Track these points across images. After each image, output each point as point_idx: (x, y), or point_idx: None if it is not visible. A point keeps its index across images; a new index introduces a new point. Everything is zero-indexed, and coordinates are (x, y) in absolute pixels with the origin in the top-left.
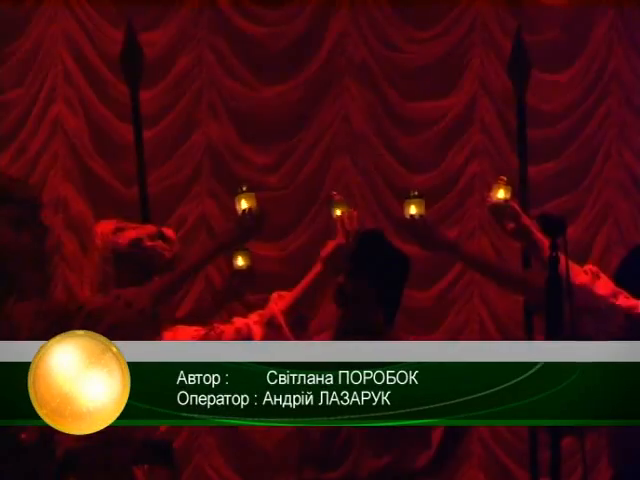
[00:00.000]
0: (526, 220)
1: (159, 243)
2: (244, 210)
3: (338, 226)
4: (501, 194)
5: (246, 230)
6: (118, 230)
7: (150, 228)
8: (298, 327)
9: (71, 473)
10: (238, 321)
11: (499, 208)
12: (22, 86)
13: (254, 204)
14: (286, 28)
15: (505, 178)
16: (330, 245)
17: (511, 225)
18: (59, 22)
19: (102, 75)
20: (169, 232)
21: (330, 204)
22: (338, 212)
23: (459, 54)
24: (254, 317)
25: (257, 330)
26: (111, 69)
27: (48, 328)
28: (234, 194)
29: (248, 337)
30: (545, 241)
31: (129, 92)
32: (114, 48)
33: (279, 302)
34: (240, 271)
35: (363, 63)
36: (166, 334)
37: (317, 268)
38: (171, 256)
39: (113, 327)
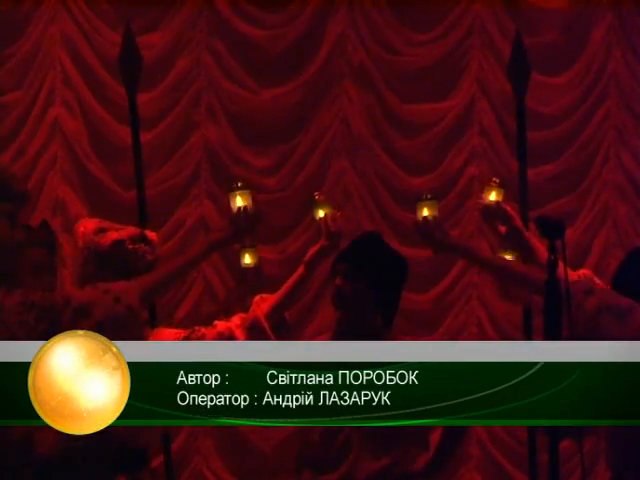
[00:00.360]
0: (518, 222)
1: (141, 246)
2: (239, 208)
3: (321, 228)
4: (493, 196)
5: (240, 229)
6: (100, 231)
7: (132, 230)
8: (281, 330)
9: None
10: (220, 325)
11: (491, 210)
12: (21, 88)
13: (250, 202)
14: (284, 30)
15: (498, 180)
16: (313, 248)
17: (503, 228)
18: (58, 24)
19: (100, 77)
20: (151, 235)
21: (313, 205)
22: (321, 213)
23: (458, 56)
24: (236, 320)
25: (239, 333)
26: (109, 71)
27: (36, 321)
28: (229, 191)
29: (231, 340)
30: (538, 244)
31: (127, 94)
32: (112, 50)
33: (262, 305)
34: (248, 269)
35: (362, 66)
36: (147, 338)
37: (300, 271)
38: (153, 259)
39: (101, 322)
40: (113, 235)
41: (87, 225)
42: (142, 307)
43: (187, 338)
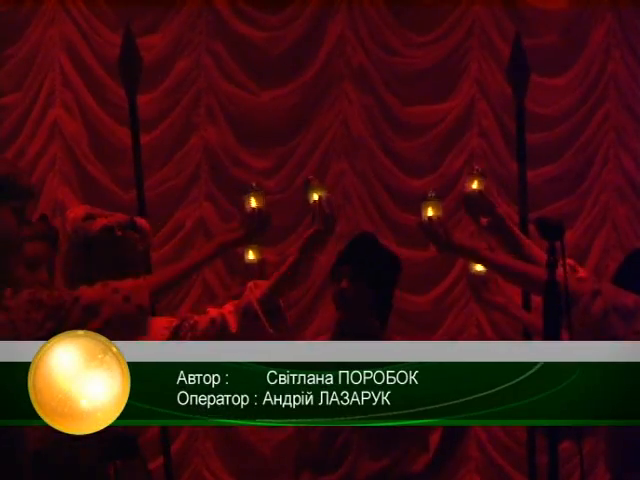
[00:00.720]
0: (501, 211)
1: (130, 233)
2: (253, 209)
3: (316, 211)
4: (475, 185)
5: (252, 230)
6: (89, 217)
7: (121, 216)
8: (275, 317)
9: (41, 473)
10: (212, 311)
11: (473, 199)
12: (20, 90)
13: (263, 204)
14: (284, 32)
15: (479, 168)
16: (307, 232)
17: (485, 220)
18: (57, 26)
19: (100, 79)
20: (141, 222)
21: (307, 188)
22: (315, 196)
23: (457, 58)
24: (229, 307)
25: (232, 320)
26: (109, 73)
27: (44, 319)
28: (244, 192)
29: (223, 328)
30: (523, 236)
31: (127, 96)
32: (112, 52)
33: (255, 290)
34: (251, 265)
35: (361, 67)
36: None
37: (293, 256)
38: (143, 247)
39: (109, 320)
40: (102, 222)
41: (77, 211)
42: (151, 306)
43: (179, 326)
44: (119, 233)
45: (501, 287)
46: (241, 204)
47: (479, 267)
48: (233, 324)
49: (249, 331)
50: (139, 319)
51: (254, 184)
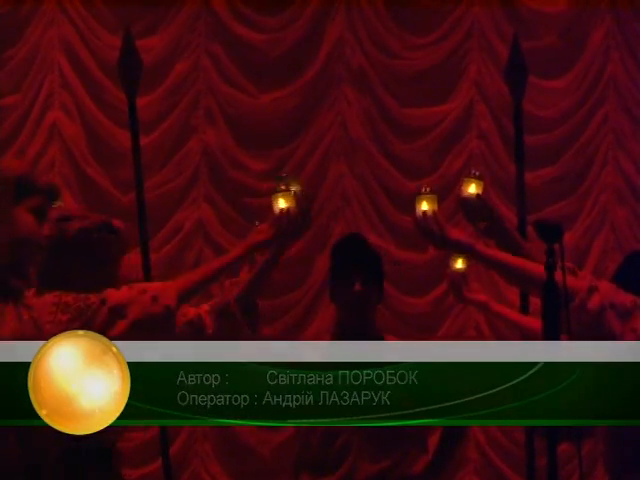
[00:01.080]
0: (500, 213)
1: (106, 235)
2: (281, 210)
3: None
4: (472, 189)
5: (282, 231)
6: (64, 219)
7: (96, 218)
8: (252, 315)
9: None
10: (190, 311)
11: (470, 204)
12: (19, 91)
13: (293, 203)
14: (283, 34)
15: (478, 172)
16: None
17: (483, 224)
18: (56, 28)
19: (99, 81)
20: (117, 222)
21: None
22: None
23: (456, 60)
24: (205, 307)
25: (209, 320)
26: (108, 75)
27: (70, 321)
28: (272, 192)
29: (200, 328)
30: (523, 240)
31: (127, 98)
32: (111, 54)
33: (232, 289)
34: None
35: (360, 69)
36: None
37: (266, 254)
38: (120, 247)
39: (137, 321)
40: (77, 224)
41: (52, 213)
42: (179, 307)
43: None
44: (95, 235)
45: (482, 285)
46: (270, 205)
47: (459, 265)
48: (210, 324)
49: (225, 331)
50: (167, 319)
51: (282, 186)
